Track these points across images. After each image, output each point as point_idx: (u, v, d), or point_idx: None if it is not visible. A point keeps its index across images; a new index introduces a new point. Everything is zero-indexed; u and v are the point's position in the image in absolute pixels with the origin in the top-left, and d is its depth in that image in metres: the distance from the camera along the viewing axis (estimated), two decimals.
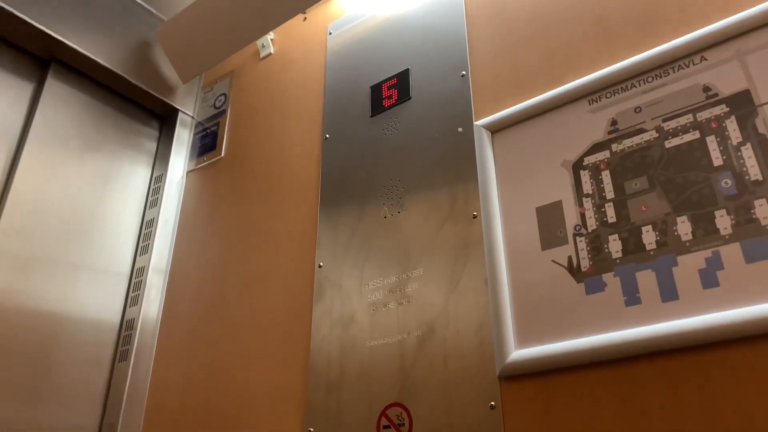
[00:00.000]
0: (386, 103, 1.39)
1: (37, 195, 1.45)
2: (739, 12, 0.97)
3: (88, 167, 1.58)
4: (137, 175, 1.70)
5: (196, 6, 1.66)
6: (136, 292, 1.54)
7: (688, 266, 0.88)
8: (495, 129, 1.17)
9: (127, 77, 1.65)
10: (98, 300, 1.50)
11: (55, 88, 1.57)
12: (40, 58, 1.58)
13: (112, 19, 1.67)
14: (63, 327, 1.41)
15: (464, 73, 1.29)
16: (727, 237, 0.86)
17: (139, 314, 1.50)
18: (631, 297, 0.90)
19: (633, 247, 0.93)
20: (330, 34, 1.62)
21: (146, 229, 1.63)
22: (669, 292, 0.87)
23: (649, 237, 0.93)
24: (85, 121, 1.61)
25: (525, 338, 0.97)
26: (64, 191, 1.51)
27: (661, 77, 1.01)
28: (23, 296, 1.36)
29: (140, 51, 1.72)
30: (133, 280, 1.57)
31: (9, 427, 1.27)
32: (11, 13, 1.43)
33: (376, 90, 1.43)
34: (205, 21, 1.66)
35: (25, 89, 1.53)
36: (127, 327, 1.50)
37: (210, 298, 1.47)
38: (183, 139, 1.77)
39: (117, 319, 1.52)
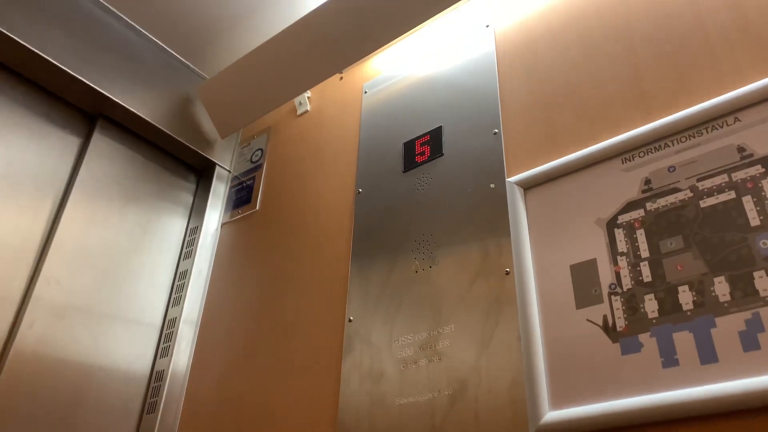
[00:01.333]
0: (419, 159, 1.42)
1: (78, 244, 1.49)
2: None
3: (127, 218, 1.63)
4: (173, 227, 1.74)
5: (237, 65, 1.74)
6: (167, 344, 1.55)
7: (727, 328, 0.85)
8: (527, 186, 1.18)
9: (169, 132, 1.72)
10: (129, 350, 1.51)
11: (100, 142, 1.63)
12: (88, 114, 1.66)
13: (156, 76, 1.75)
14: (93, 377, 1.42)
15: (496, 130, 1.31)
16: (767, 299, 0.84)
17: (169, 366, 1.51)
18: (669, 358, 0.88)
19: (669, 307, 0.91)
20: (365, 93, 1.67)
21: (179, 281, 1.66)
22: (708, 355, 0.85)
23: (685, 297, 0.91)
24: (127, 173, 1.67)
25: (559, 398, 0.95)
26: (103, 241, 1.55)
27: (695, 137, 1.02)
28: (59, 345, 1.38)
29: (182, 107, 1.80)
30: (164, 332, 1.58)
31: None
32: (64, 71, 1.52)
33: (409, 146, 1.46)
34: (245, 79, 1.73)
35: (73, 143, 1.60)
36: (156, 378, 1.51)
37: (240, 349, 1.48)
38: (219, 193, 1.82)
39: (147, 370, 1.53)
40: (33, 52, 1.46)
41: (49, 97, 1.59)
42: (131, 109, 1.64)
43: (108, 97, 1.60)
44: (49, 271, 1.41)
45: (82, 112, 1.65)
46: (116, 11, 1.71)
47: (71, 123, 1.62)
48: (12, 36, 1.42)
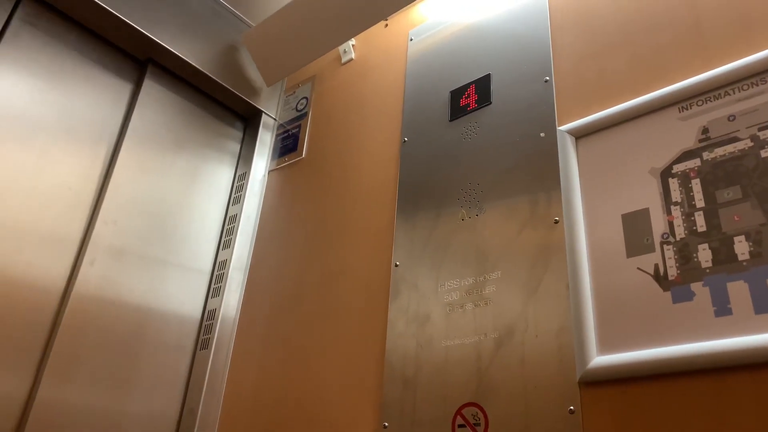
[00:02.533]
0: (466, 107, 1.41)
1: (132, 189, 1.54)
2: None
3: (177, 165, 1.67)
4: (222, 173, 1.78)
5: (282, 12, 1.73)
6: (218, 285, 1.61)
7: None
8: (579, 135, 1.16)
9: (216, 79, 1.74)
10: (182, 291, 1.57)
11: (151, 89, 1.66)
12: (139, 60, 1.68)
13: (203, 23, 1.76)
14: (150, 314, 1.49)
15: (547, 78, 1.29)
16: None
17: (220, 305, 1.57)
18: (722, 307, 0.88)
19: (724, 257, 0.91)
20: (411, 40, 1.66)
21: (229, 225, 1.70)
22: (763, 304, 0.85)
23: (741, 247, 0.90)
24: (176, 120, 1.70)
25: (607, 345, 0.96)
26: (155, 187, 1.59)
27: (757, 85, 0.99)
28: (117, 283, 1.45)
29: (228, 54, 1.81)
30: (215, 273, 1.64)
31: (98, 413, 1.35)
32: (115, 16, 1.54)
33: (456, 94, 1.45)
34: (290, 27, 1.73)
35: (125, 89, 1.63)
36: (208, 317, 1.57)
37: (288, 292, 1.53)
38: (265, 140, 1.84)
39: (199, 309, 1.59)
40: None
41: (101, 42, 1.62)
42: (180, 55, 1.66)
43: (158, 43, 1.62)
44: (107, 214, 1.47)
45: (133, 58, 1.68)
46: None
47: (123, 69, 1.65)
48: None
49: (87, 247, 1.41)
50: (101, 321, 1.40)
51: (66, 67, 1.52)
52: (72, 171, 1.46)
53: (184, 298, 1.57)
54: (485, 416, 1.04)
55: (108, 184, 1.49)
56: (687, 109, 1.05)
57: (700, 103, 1.04)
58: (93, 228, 1.43)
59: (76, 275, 1.38)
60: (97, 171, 1.51)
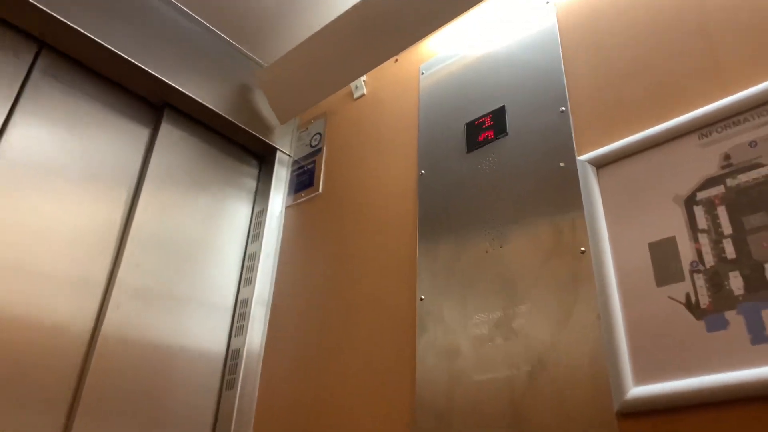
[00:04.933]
0: (482, 139, 1.43)
1: (154, 231, 1.55)
2: None
3: (196, 204, 1.68)
4: (240, 211, 1.79)
5: (293, 52, 1.76)
6: (241, 323, 1.61)
7: None
8: (600, 164, 1.18)
9: (231, 119, 1.76)
10: (206, 330, 1.58)
11: (168, 132, 1.69)
12: (155, 104, 1.71)
13: (217, 65, 1.79)
14: (176, 357, 1.50)
15: (563, 108, 1.31)
16: None
17: (244, 344, 1.57)
18: (758, 335, 0.89)
19: (757, 284, 0.92)
20: (422, 74, 1.68)
21: (249, 262, 1.71)
22: None
23: None
24: (193, 161, 1.73)
25: (643, 375, 0.96)
26: (176, 227, 1.61)
27: None
28: (143, 325, 1.45)
29: (242, 95, 1.84)
30: (237, 311, 1.65)
31: None
32: (132, 63, 1.57)
33: (471, 126, 1.47)
34: (302, 66, 1.76)
35: (143, 133, 1.66)
36: (232, 356, 1.57)
37: (312, 327, 1.53)
38: (281, 177, 1.86)
39: (223, 349, 1.60)
40: (104, 46, 1.51)
41: (117, 89, 1.65)
42: (195, 98, 1.69)
43: (173, 87, 1.65)
44: (130, 256, 1.48)
45: (149, 103, 1.71)
46: (177, 3, 1.74)
47: (140, 114, 1.68)
48: (85, 32, 1.47)
49: (112, 290, 1.42)
50: (128, 362, 1.41)
51: (85, 115, 1.55)
52: (95, 216, 1.47)
53: (209, 336, 1.58)
54: None
55: (130, 227, 1.51)
56: (707, 136, 1.06)
57: (719, 129, 1.05)
58: (117, 271, 1.44)
59: (103, 319, 1.39)
60: (119, 214, 1.53)
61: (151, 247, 1.54)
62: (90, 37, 1.49)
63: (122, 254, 1.47)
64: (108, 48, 1.52)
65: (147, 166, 1.60)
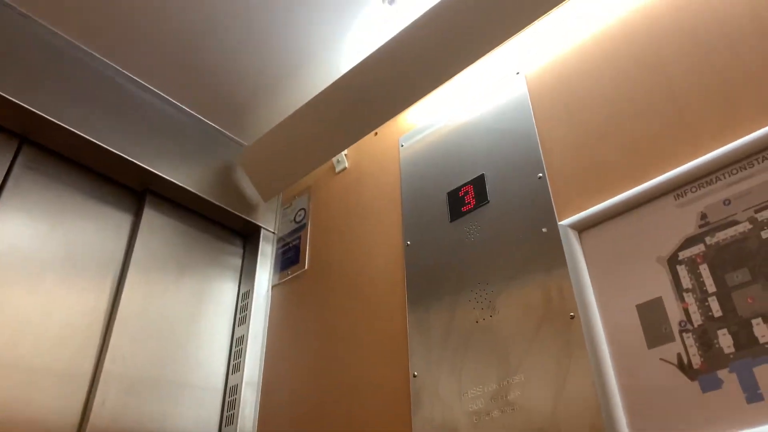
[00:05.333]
0: (464, 208, 1.44)
1: (140, 318, 1.53)
2: None
3: (182, 288, 1.67)
4: (226, 292, 1.78)
5: (273, 131, 1.80)
6: (231, 411, 1.57)
7: None
8: (581, 228, 1.19)
9: (214, 201, 1.77)
10: (196, 417, 1.54)
11: (151, 217, 1.69)
12: (137, 191, 1.72)
13: (198, 147, 1.82)
14: None
15: (540, 175, 1.33)
16: None
17: (236, 431, 1.52)
18: (752, 393, 0.88)
19: (746, 340, 0.92)
20: (402, 146, 1.72)
21: (237, 347, 1.68)
22: None
23: (761, 330, 0.91)
24: (178, 244, 1.72)
25: None
26: (162, 312, 1.59)
27: (746, 168, 1.03)
28: (130, 418, 1.41)
29: (223, 175, 1.85)
30: (227, 399, 1.60)
31: None
32: (111, 152, 1.58)
33: (453, 196, 1.49)
34: (282, 144, 1.79)
35: (126, 220, 1.66)
36: None
37: (305, 409, 1.49)
38: (267, 254, 1.86)
39: None
40: (85, 138, 1.53)
41: (99, 178, 1.66)
42: (177, 182, 1.70)
43: (154, 174, 1.66)
44: (116, 348, 1.45)
45: (131, 189, 1.71)
46: (157, 90, 1.78)
47: (122, 201, 1.68)
48: (66, 126, 1.49)
49: (98, 386, 1.38)
50: None
51: (67, 206, 1.55)
52: (80, 306, 1.45)
53: (199, 423, 1.53)
54: None
55: (116, 315, 1.49)
56: (683, 196, 1.09)
57: (694, 189, 1.08)
58: (102, 366, 1.41)
59: (89, 414, 1.35)
60: (104, 305, 1.51)
61: (137, 334, 1.51)
62: (71, 130, 1.51)
63: (108, 345, 1.44)
64: (89, 140, 1.53)
65: (131, 253, 1.60)
